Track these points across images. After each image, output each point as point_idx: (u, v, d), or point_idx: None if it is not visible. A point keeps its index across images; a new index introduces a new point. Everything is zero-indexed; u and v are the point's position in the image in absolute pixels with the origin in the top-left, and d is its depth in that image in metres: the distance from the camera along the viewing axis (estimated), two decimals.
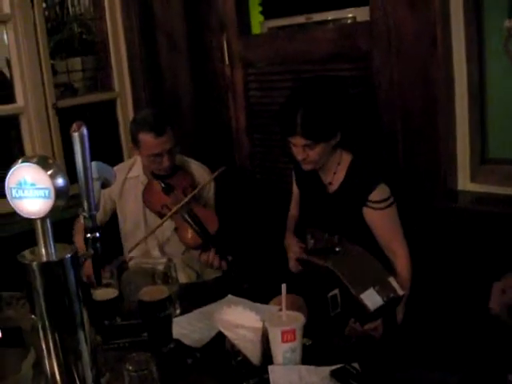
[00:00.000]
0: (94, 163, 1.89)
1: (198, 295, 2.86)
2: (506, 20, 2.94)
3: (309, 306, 2.87)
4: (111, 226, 3.58)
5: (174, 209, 3.27)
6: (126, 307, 2.58)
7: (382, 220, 2.96)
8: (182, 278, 3.32)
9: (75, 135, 1.75)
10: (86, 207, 1.79)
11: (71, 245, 1.66)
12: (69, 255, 1.58)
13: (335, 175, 3.04)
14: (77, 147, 1.76)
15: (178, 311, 2.65)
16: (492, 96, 3.18)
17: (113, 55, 4.41)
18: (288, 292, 2.66)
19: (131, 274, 3.24)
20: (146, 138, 3.29)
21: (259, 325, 2.18)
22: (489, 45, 3.12)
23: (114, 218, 3.61)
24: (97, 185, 1.91)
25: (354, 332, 2.71)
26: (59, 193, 1.53)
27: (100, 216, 3.32)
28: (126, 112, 4.47)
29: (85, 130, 1.75)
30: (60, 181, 1.54)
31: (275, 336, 2.14)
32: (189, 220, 3.29)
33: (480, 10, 3.09)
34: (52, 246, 1.58)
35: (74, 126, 1.76)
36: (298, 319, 2.18)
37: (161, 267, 3.05)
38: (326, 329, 2.66)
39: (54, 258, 1.57)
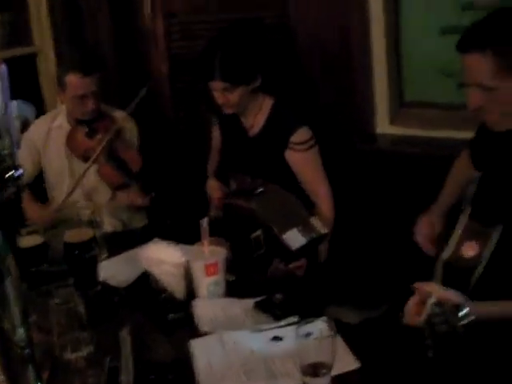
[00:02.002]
0: (14, 102, 1.89)
1: (124, 242, 2.89)
2: None
3: (233, 249, 2.94)
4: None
5: (99, 148, 3.27)
6: (52, 255, 2.59)
7: (304, 161, 3.00)
8: (109, 227, 3.34)
9: None
10: (6, 144, 1.79)
11: None
12: None
13: (256, 119, 3.07)
14: None
15: (104, 256, 2.69)
16: (408, 40, 3.26)
17: (33, 10, 4.34)
18: (212, 235, 2.72)
19: (57, 224, 3.26)
20: (72, 78, 3.27)
21: (182, 260, 2.24)
22: None
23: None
24: (17, 123, 1.92)
25: (278, 271, 2.78)
26: None
27: (29, 169, 3.32)
28: (47, 67, 4.41)
29: (4, 67, 1.75)
30: None
31: (198, 270, 2.20)
32: (112, 160, 3.33)
33: None
34: None
35: None
36: (220, 253, 2.24)
37: (86, 217, 3.08)
38: (250, 268, 2.72)
39: None
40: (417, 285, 1.91)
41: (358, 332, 2.28)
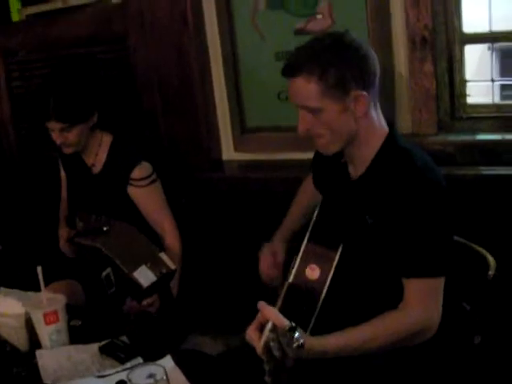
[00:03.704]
0: None
1: None
2: None
3: (87, 289, 2.91)
4: None
5: None
6: None
7: (146, 197, 3.01)
8: None
9: None
10: None
11: None
12: None
13: (97, 157, 3.05)
14: None
15: None
16: (245, 67, 3.31)
17: None
18: (66, 277, 2.67)
19: None
20: None
21: (21, 311, 2.20)
22: (238, 19, 3.25)
23: None
24: None
25: (132, 309, 2.76)
26: None
27: None
28: None
29: None
30: None
31: (38, 319, 2.15)
32: None
33: None
34: None
35: None
36: (59, 300, 2.20)
37: None
38: (104, 308, 2.70)
39: None
40: (261, 305, 1.89)
41: (218, 361, 2.28)
